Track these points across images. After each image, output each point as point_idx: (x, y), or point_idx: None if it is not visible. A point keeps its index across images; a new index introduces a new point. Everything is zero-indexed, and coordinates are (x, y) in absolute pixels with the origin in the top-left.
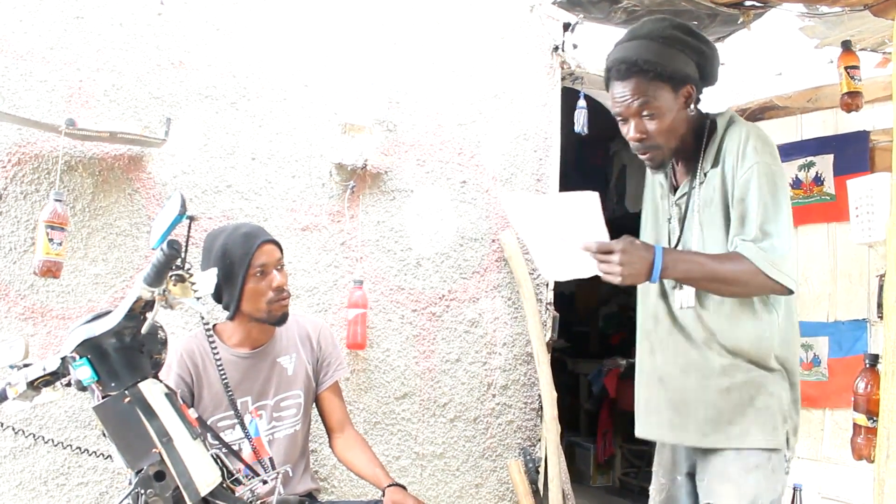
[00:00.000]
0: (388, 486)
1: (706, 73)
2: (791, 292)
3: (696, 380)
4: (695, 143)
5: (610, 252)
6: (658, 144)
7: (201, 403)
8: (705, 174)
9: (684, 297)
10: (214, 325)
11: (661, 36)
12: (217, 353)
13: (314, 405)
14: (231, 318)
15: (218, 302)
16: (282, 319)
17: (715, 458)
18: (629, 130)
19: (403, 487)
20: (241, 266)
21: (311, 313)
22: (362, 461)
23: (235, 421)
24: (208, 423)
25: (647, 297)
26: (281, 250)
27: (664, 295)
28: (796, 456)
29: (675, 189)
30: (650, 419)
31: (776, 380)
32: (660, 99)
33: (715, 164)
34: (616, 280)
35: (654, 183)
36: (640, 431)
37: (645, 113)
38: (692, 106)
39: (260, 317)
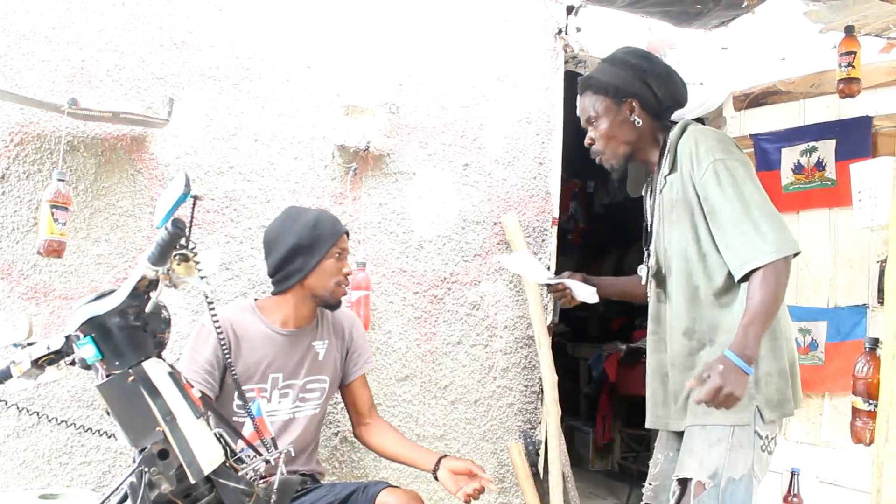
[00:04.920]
0: (442, 458)
1: (658, 91)
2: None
3: (684, 372)
4: (657, 152)
5: (718, 391)
6: (602, 150)
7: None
8: (665, 178)
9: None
10: (257, 300)
11: (612, 59)
12: (218, 325)
13: (341, 396)
14: (283, 292)
15: (272, 275)
16: (336, 305)
17: (686, 434)
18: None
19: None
20: (328, 241)
21: None
22: (399, 441)
23: (263, 395)
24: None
25: (650, 301)
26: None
27: (659, 297)
28: (795, 441)
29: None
30: (657, 411)
31: None
32: (600, 110)
33: (673, 169)
34: (737, 402)
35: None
36: (649, 423)
37: (592, 122)
38: (635, 118)
39: (321, 294)
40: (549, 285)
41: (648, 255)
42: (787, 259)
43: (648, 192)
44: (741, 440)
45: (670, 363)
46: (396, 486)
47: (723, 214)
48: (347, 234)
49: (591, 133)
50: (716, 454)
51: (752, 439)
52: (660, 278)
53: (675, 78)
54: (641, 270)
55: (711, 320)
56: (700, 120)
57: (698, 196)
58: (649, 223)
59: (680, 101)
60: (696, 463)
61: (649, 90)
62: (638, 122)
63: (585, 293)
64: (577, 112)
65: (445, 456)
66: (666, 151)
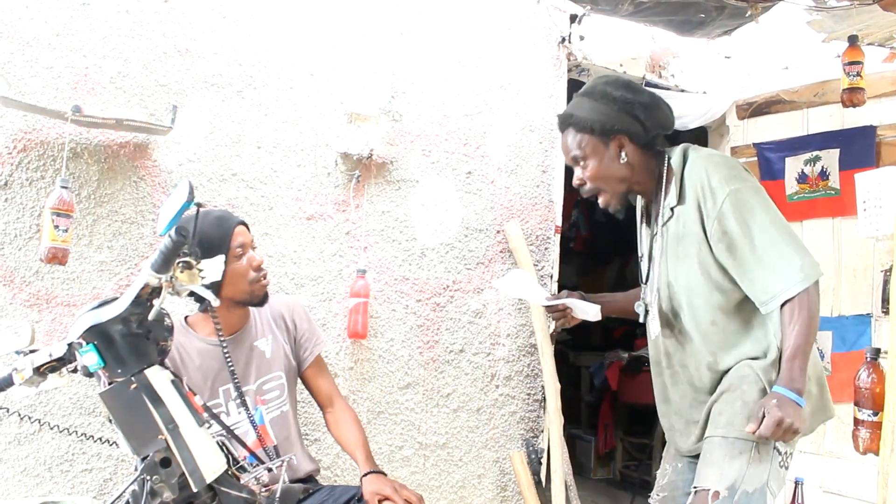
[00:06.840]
0: (366, 475)
1: (645, 122)
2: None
3: (701, 404)
4: (653, 181)
5: (780, 423)
6: (597, 188)
7: None
8: (672, 210)
9: (653, 326)
10: (186, 318)
11: (592, 92)
12: (222, 336)
13: (303, 384)
14: (206, 309)
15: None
16: (263, 299)
17: (706, 444)
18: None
19: (383, 474)
20: (220, 248)
21: (317, 302)
22: (349, 441)
23: (219, 410)
24: None
25: (652, 341)
26: (250, 231)
27: (664, 333)
28: (798, 450)
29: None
30: (675, 440)
31: (771, 372)
32: (587, 150)
33: (680, 200)
34: (800, 432)
35: (639, 224)
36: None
37: (578, 162)
38: (624, 154)
39: (242, 299)
40: (548, 306)
41: (645, 291)
42: (816, 283)
43: (643, 221)
44: (761, 455)
45: (692, 396)
46: None
47: (744, 248)
48: (245, 223)
49: (578, 173)
50: (736, 466)
51: (772, 455)
52: (664, 315)
53: (661, 104)
54: (639, 308)
55: (732, 350)
56: (703, 129)
57: (705, 229)
58: (646, 256)
59: (667, 127)
60: (715, 474)
61: (637, 122)
62: (625, 159)
63: (588, 311)
64: (561, 149)
65: (367, 474)
66: (671, 180)
